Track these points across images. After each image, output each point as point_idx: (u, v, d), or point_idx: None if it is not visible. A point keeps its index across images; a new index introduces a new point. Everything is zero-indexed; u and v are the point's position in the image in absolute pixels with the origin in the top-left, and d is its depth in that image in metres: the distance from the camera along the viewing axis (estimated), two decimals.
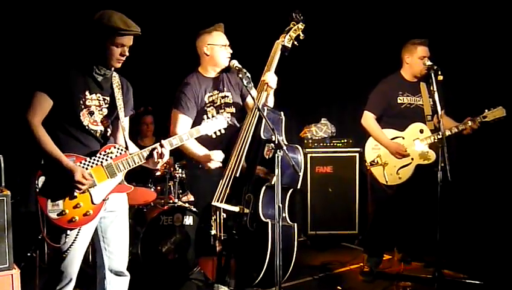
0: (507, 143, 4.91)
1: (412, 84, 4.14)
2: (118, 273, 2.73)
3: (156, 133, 5.39)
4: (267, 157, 3.08)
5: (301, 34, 3.36)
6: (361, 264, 4.39)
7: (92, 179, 2.47)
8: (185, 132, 2.78)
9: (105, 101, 2.61)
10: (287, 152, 2.70)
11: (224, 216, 3.13)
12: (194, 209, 4.26)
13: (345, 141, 5.52)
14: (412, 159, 4.03)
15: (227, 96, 3.50)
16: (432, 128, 4.05)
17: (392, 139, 4.08)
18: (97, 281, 2.75)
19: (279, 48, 3.34)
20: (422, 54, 4.01)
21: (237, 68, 3.19)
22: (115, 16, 2.48)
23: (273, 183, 2.89)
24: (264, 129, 3.14)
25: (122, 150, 2.60)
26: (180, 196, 4.75)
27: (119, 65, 2.57)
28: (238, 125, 3.53)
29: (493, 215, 4.94)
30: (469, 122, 3.94)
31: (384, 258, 4.37)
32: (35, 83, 2.45)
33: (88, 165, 2.49)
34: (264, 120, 3.09)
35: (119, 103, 2.65)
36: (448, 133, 3.91)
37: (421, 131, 4.05)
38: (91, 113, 2.53)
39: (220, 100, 3.47)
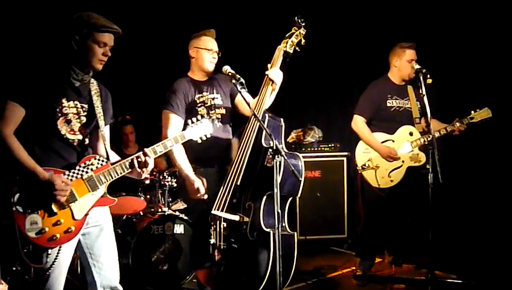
0: (494, 144, 4.99)
1: (400, 88, 4.18)
2: (111, 289, 2.62)
3: (139, 141, 5.31)
4: (268, 165, 3.03)
5: (303, 40, 3.35)
6: (354, 268, 4.40)
7: (71, 186, 2.33)
8: (169, 139, 2.66)
9: (84, 109, 2.48)
10: (286, 158, 2.68)
11: (224, 225, 3.09)
12: (185, 218, 4.21)
13: (333, 145, 5.54)
14: (403, 161, 4.06)
15: (217, 98, 3.49)
16: (420, 130, 4.09)
17: (382, 142, 4.11)
18: None
19: (281, 54, 3.32)
20: (410, 57, 4.05)
21: (230, 74, 3.15)
22: (94, 15, 2.40)
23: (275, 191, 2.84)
24: (265, 137, 3.11)
25: (103, 161, 2.48)
26: (170, 204, 4.69)
27: (100, 66, 2.45)
28: (229, 128, 3.52)
29: (483, 216, 5.01)
30: (457, 123, 4.00)
31: (375, 261, 4.38)
32: (6, 91, 2.32)
33: (68, 178, 2.35)
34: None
35: (98, 110, 2.53)
36: (437, 134, 3.95)
37: (411, 134, 4.08)
38: (68, 122, 2.41)
39: (210, 101, 3.45)
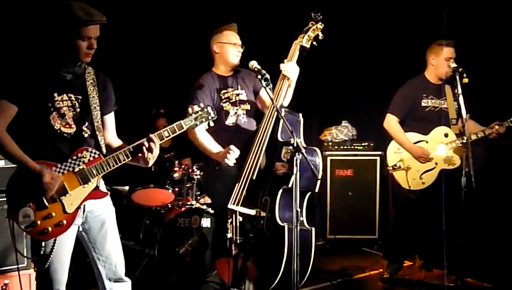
0: None
1: (437, 87, 4.04)
2: (117, 281, 2.65)
3: None
4: (284, 160, 3.02)
5: (320, 34, 3.29)
6: (381, 270, 4.31)
7: (61, 182, 2.34)
8: (166, 128, 2.56)
9: (78, 101, 2.45)
10: (305, 155, 2.64)
11: (241, 219, 3.08)
12: (212, 212, 4.23)
13: (366, 144, 5.43)
14: (436, 163, 3.93)
15: (241, 94, 3.49)
16: (456, 132, 3.94)
17: (415, 143, 3.99)
18: None
19: (298, 49, 3.28)
20: (448, 55, 3.91)
21: (256, 69, 3.14)
22: (75, 7, 2.33)
23: (290, 186, 2.82)
24: (282, 131, 3.09)
25: (95, 153, 2.43)
26: (198, 197, 4.73)
27: (88, 59, 2.42)
28: (254, 123, 3.52)
29: None
30: (496, 126, 3.84)
31: (405, 265, 4.27)
32: None
33: (59, 171, 2.35)
34: (281, 122, 3.03)
35: (94, 101, 2.49)
36: (474, 137, 3.83)
37: (446, 135, 3.95)
38: (62, 116, 2.39)
39: (235, 97, 3.45)
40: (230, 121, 3.43)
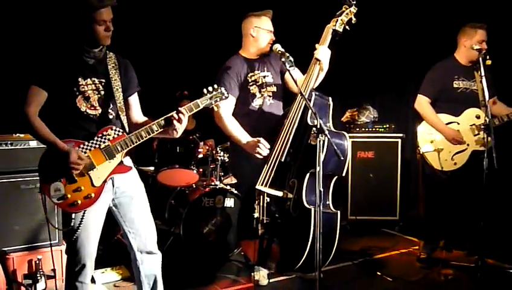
0: None
1: (467, 69, 4.01)
2: (147, 253, 2.78)
3: (197, 116, 5.43)
4: (313, 143, 3.05)
5: (353, 18, 3.30)
6: (402, 250, 4.36)
7: (89, 159, 2.48)
8: (184, 107, 2.63)
9: (102, 84, 2.60)
10: (329, 137, 2.68)
11: (268, 200, 3.16)
12: (236, 192, 4.31)
13: (387, 126, 5.43)
14: (468, 144, 3.94)
15: (268, 76, 3.54)
16: (485, 113, 3.93)
17: (446, 124, 4.00)
18: (132, 262, 2.82)
19: (330, 33, 3.30)
20: (481, 37, 3.90)
21: (280, 52, 3.19)
22: None
23: (318, 169, 2.87)
24: (311, 115, 3.13)
25: (119, 131, 2.59)
26: (222, 178, 4.81)
27: (108, 41, 2.56)
28: (280, 105, 3.57)
29: None
30: None
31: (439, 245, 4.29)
32: (28, 77, 2.50)
33: (86, 148, 2.50)
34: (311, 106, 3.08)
35: (116, 83, 2.64)
36: (505, 119, 3.85)
37: (478, 116, 3.94)
38: (87, 99, 2.54)
39: (262, 79, 3.51)
40: (256, 103, 3.49)
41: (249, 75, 3.49)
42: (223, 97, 2.74)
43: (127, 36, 2.67)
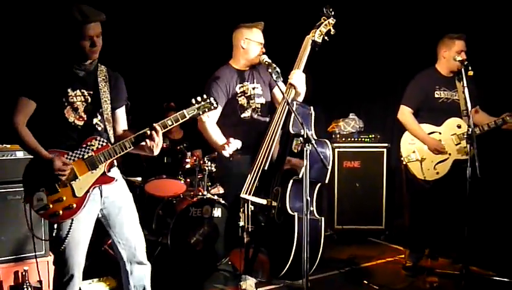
0: None
1: (448, 79, 4.09)
2: (138, 263, 2.78)
3: (184, 126, 5.46)
4: (295, 151, 3.11)
5: (332, 29, 3.38)
6: (389, 259, 4.40)
7: (71, 167, 2.49)
8: (169, 117, 2.62)
9: (90, 95, 2.62)
10: (315, 146, 2.73)
11: (252, 208, 3.19)
12: (223, 202, 4.33)
13: (373, 136, 5.50)
14: (450, 154, 4.01)
15: (257, 88, 3.58)
16: (468, 123, 4.00)
17: (428, 134, 4.06)
18: (121, 273, 2.82)
19: (310, 43, 3.37)
20: (459, 48, 3.97)
21: (267, 63, 3.24)
22: (73, 9, 2.48)
23: (300, 176, 2.92)
24: (293, 123, 3.18)
25: (103, 142, 2.59)
26: (210, 188, 4.83)
27: (95, 56, 2.59)
28: (267, 117, 3.60)
29: None
30: (507, 117, 3.89)
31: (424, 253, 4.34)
32: (18, 88, 2.53)
33: (70, 158, 2.51)
34: (293, 114, 3.13)
35: (105, 95, 2.65)
36: (486, 128, 3.92)
37: (459, 126, 4.01)
38: (75, 110, 2.56)
39: (251, 91, 3.55)
40: (245, 114, 3.52)
41: (238, 86, 3.52)
42: (212, 107, 2.70)
43: (115, 47, 2.69)
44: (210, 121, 3.38)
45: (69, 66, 2.59)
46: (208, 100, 2.69)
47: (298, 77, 3.34)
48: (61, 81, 2.56)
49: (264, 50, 3.50)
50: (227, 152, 3.21)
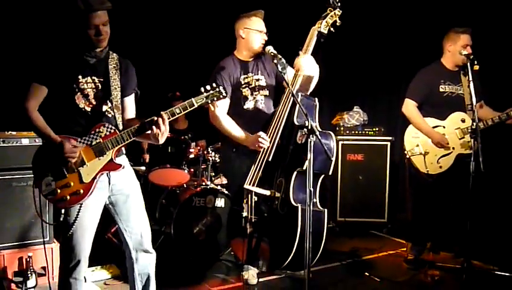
0: None
1: (453, 73, 4.09)
2: (143, 251, 2.80)
3: (189, 116, 5.47)
4: (299, 142, 3.12)
5: (338, 20, 3.36)
6: (390, 252, 4.41)
7: (80, 153, 2.51)
8: (177, 106, 2.60)
9: (101, 82, 2.64)
10: (319, 138, 2.73)
11: (256, 199, 3.20)
12: (226, 192, 4.34)
13: (377, 129, 5.50)
14: (453, 148, 4.01)
15: (261, 80, 3.58)
16: (472, 117, 4.00)
17: (432, 127, 4.06)
18: (126, 260, 2.84)
19: (315, 34, 3.36)
20: (465, 42, 3.96)
21: (272, 54, 3.23)
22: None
23: (304, 168, 2.92)
24: (298, 115, 3.19)
25: (111, 128, 2.60)
26: (213, 178, 4.85)
27: (103, 44, 2.59)
28: (271, 108, 3.61)
29: None
30: (511, 112, 3.89)
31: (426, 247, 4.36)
32: (30, 74, 2.57)
33: (78, 145, 2.54)
34: (297, 106, 3.13)
35: (115, 83, 2.67)
36: (490, 122, 3.91)
37: (463, 120, 4.01)
38: (86, 96, 2.59)
39: (255, 82, 3.55)
40: (248, 105, 3.53)
41: (242, 77, 3.52)
42: (221, 96, 2.67)
43: (120, 36, 2.70)
44: (223, 114, 3.39)
45: (80, 53, 2.61)
46: (217, 89, 2.67)
47: (304, 61, 3.32)
48: (72, 68, 2.58)
49: (266, 38, 3.49)
50: (263, 148, 3.23)
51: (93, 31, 2.53)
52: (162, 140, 2.62)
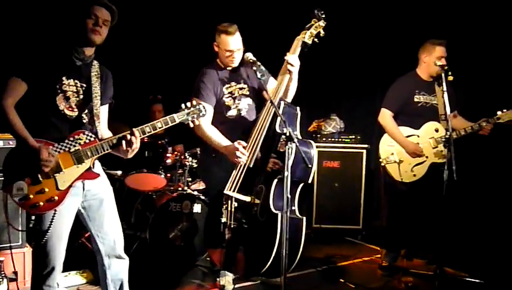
0: None
1: (428, 84, 4.16)
2: (116, 257, 2.76)
3: None
4: (281, 150, 3.12)
5: (322, 32, 3.40)
6: (365, 258, 4.46)
7: (57, 159, 2.44)
8: (159, 120, 2.62)
9: (83, 88, 2.60)
10: (298, 145, 2.75)
11: (236, 205, 3.20)
12: (203, 198, 4.33)
13: (353, 137, 5.57)
14: (427, 157, 4.07)
15: (244, 88, 3.57)
16: (446, 127, 4.07)
17: (407, 137, 4.13)
18: (98, 266, 2.80)
19: (300, 44, 3.38)
20: (440, 54, 4.03)
21: (251, 61, 3.25)
22: None
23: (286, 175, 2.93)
24: (280, 123, 3.20)
25: (91, 136, 2.56)
26: (190, 183, 4.83)
27: (96, 38, 2.54)
28: (254, 116, 3.60)
29: (498, 215, 4.98)
30: (483, 123, 3.98)
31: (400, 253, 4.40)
32: (11, 68, 2.48)
33: (56, 150, 2.47)
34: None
35: (96, 90, 2.63)
36: (463, 132, 3.99)
37: (436, 130, 4.08)
38: (67, 99, 2.53)
39: (238, 91, 3.55)
40: (231, 113, 3.53)
41: (225, 87, 3.52)
42: (201, 114, 2.71)
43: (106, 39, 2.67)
44: (206, 122, 3.37)
45: (69, 52, 2.56)
46: (198, 107, 2.70)
47: (294, 60, 3.34)
48: (58, 67, 2.52)
49: (235, 56, 3.45)
50: (240, 162, 3.22)
51: (92, 21, 2.50)
52: (130, 156, 2.63)
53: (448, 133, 3.68)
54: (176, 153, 4.82)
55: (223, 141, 3.37)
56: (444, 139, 3.85)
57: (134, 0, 5.28)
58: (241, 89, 3.56)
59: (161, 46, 5.71)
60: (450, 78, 3.74)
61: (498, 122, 3.98)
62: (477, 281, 4.01)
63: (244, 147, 3.26)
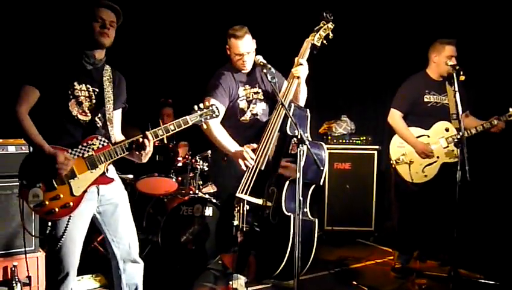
0: None
1: (438, 83, 4.13)
2: (131, 261, 2.77)
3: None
4: (292, 152, 3.12)
5: (330, 34, 3.40)
6: (378, 260, 4.43)
7: (73, 161, 2.44)
8: (172, 122, 2.61)
9: (95, 93, 2.60)
10: (309, 147, 2.74)
11: (247, 208, 3.19)
12: (214, 201, 4.33)
13: (364, 138, 5.55)
14: (438, 157, 4.05)
15: (259, 92, 3.57)
16: (457, 126, 4.03)
17: (417, 137, 4.10)
18: (112, 270, 2.80)
19: (309, 46, 3.38)
20: (450, 53, 4.01)
21: (262, 63, 3.24)
22: None
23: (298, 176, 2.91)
24: (291, 125, 3.20)
25: (104, 141, 2.56)
26: (201, 187, 4.83)
27: (104, 40, 2.53)
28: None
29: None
30: (495, 120, 3.95)
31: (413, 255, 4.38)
32: (23, 76, 2.48)
33: (70, 156, 2.46)
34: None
35: (108, 95, 2.63)
36: (473, 131, 3.96)
37: (447, 129, 4.06)
38: (79, 104, 2.53)
39: (253, 95, 3.54)
40: (244, 118, 3.52)
41: (241, 90, 3.51)
42: (214, 115, 2.70)
43: (115, 40, 2.67)
44: (215, 123, 3.35)
45: (79, 57, 2.56)
46: (210, 108, 2.70)
47: (301, 68, 3.34)
48: (69, 72, 2.52)
49: (246, 59, 3.44)
50: (247, 166, 3.22)
51: (99, 24, 2.50)
52: (144, 160, 2.62)
53: (460, 133, 3.65)
54: (186, 156, 4.82)
55: (232, 145, 3.35)
56: (456, 139, 3.82)
57: (145, 4, 5.31)
58: (256, 93, 3.55)
59: (172, 49, 5.74)
60: (462, 78, 3.71)
61: (510, 119, 3.95)
62: (492, 282, 3.97)
63: (254, 150, 3.26)
